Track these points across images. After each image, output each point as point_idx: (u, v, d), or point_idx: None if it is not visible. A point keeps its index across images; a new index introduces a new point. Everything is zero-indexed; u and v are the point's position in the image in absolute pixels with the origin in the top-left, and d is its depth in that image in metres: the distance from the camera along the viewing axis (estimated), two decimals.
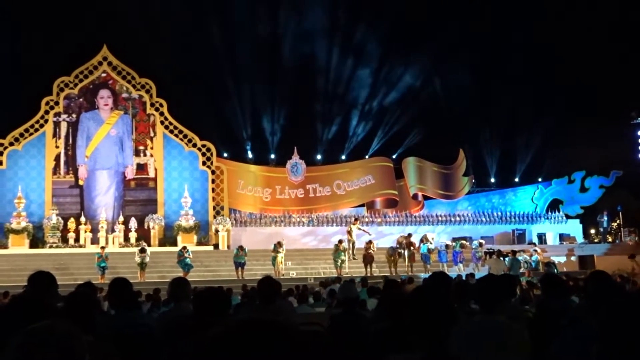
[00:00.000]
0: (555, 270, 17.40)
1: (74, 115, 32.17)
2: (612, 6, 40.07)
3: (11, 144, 31.35)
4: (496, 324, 2.62)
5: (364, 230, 29.01)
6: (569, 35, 39.84)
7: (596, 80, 39.73)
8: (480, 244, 28.81)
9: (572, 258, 31.15)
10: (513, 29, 40.64)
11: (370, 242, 27.17)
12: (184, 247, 26.05)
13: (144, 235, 29.53)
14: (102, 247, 26.93)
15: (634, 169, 37.58)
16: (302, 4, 39.25)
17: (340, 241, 27.01)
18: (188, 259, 25.16)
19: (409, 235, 28.78)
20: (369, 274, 25.07)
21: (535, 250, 28.56)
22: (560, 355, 3.95)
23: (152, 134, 32.76)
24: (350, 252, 27.52)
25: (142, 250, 25.48)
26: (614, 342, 2.20)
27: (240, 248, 26.11)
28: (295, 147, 35.23)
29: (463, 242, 29.13)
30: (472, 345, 2.56)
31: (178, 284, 6.32)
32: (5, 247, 29.26)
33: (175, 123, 32.86)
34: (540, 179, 39.34)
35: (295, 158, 35.07)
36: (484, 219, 35.21)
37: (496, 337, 2.57)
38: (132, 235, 29.81)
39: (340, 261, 26.32)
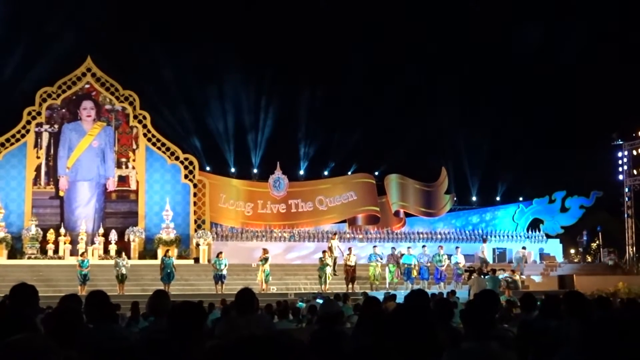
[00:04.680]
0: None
1: (56, 126, 31.95)
2: (592, 30, 40.55)
3: None
4: (490, 352, 2.59)
5: (339, 249, 28.88)
6: (551, 57, 40.27)
7: (578, 101, 40.16)
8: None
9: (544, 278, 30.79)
10: (495, 52, 41.08)
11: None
12: (168, 251, 26.30)
13: (124, 247, 29.27)
14: (83, 253, 26.66)
15: (614, 190, 37.84)
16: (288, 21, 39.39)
17: (324, 251, 26.92)
18: (170, 266, 25.02)
19: (393, 249, 28.53)
20: (350, 290, 24.99)
21: (513, 271, 28.43)
22: None
23: (134, 146, 32.61)
24: (332, 268, 27.35)
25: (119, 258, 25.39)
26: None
27: (219, 254, 25.93)
28: (278, 162, 35.20)
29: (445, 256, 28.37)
30: None
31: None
32: None
33: (158, 136, 32.73)
34: (521, 198, 39.51)
35: (278, 173, 35.02)
36: (465, 237, 35.24)
37: None
38: (112, 248, 29.55)
39: (324, 276, 26.11)
